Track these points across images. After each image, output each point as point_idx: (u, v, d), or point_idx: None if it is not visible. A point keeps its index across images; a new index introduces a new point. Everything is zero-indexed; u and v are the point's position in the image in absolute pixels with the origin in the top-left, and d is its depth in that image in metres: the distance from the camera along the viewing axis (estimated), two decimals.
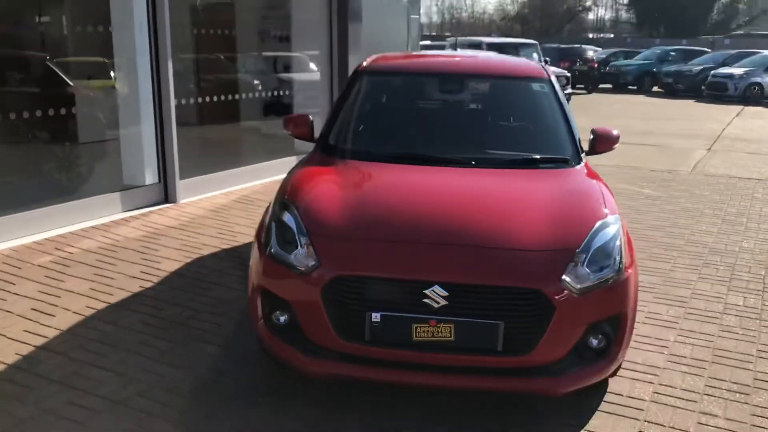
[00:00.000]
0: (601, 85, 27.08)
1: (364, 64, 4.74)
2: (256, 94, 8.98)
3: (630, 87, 27.17)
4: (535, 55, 17.12)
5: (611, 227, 3.35)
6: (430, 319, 3.02)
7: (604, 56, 29.83)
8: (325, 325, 3.12)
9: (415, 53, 6.48)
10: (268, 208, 3.74)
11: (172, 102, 6.77)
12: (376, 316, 3.05)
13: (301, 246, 3.23)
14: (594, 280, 3.15)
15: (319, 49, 9.28)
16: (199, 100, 8.04)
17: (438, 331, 3.04)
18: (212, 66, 9.97)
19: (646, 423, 3.39)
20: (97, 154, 7.50)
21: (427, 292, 3.01)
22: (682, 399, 3.62)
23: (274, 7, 10.31)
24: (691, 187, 8.98)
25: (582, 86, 25.72)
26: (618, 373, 3.77)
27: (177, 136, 6.84)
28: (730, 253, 6.19)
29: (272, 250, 3.33)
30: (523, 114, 4.53)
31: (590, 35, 55.53)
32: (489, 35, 42.19)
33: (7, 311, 4.29)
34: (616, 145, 4.36)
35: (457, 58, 5.42)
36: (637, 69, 27.13)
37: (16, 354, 3.79)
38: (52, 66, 7.95)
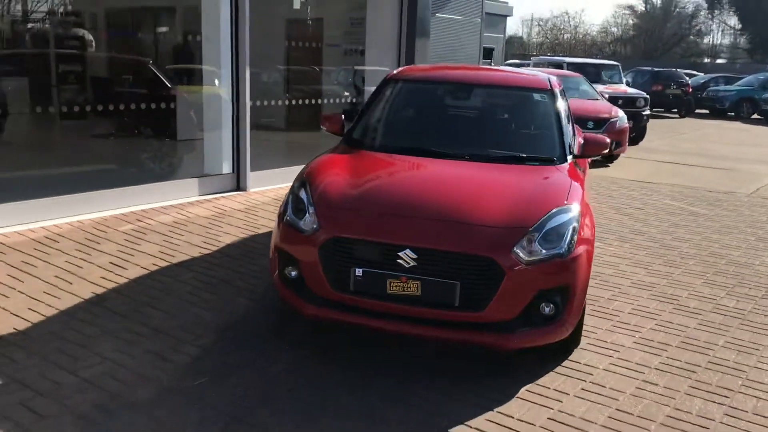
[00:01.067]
0: (697, 111, 26.61)
1: (394, 72, 5.52)
2: (325, 101, 9.91)
3: (728, 113, 26.53)
4: (616, 76, 17.32)
5: (567, 214, 3.96)
6: (402, 276, 3.74)
7: (702, 81, 29.26)
8: (321, 278, 3.89)
9: (440, 65, 7.20)
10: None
11: (248, 105, 7.76)
12: (359, 272, 3.80)
13: (308, 214, 4.03)
14: (543, 255, 3.77)
15: (389, 64, 10.10)
16: (273, 103, 9.04)
17: (407, 287, 3.75)
18: (288, 75, 11.05)
19: (590, 384, 3.96)
20: (185, 145, 8.65)
21: (400, 254, 3.73)
22: (632, 370, 4.16)
23: (351, 24, 11.26)
24: (741, 208, 9.18)
25: (675, 110, 25.42)
26: (583, 347, 4.36)
27: (250, 134, 7.82)
28: (747, 265, 6.52)
29: (287, 217, 4.14)
30: (522, 118, 5.18)
31: (704, 60, 54.02)
32: (594, 56, 41.94)
33: (90, 263, 5.31)
34: (604, 151, 4.93)
35: (474, 71, 6.10)
36: (735, 95, 26.47)
37: (92, 293, 4.76)
38: (154, 69, 9.19)
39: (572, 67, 17.49)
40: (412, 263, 3.73)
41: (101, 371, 3.71)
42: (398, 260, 3.74)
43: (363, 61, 10.61)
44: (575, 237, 3.90)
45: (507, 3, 18.59)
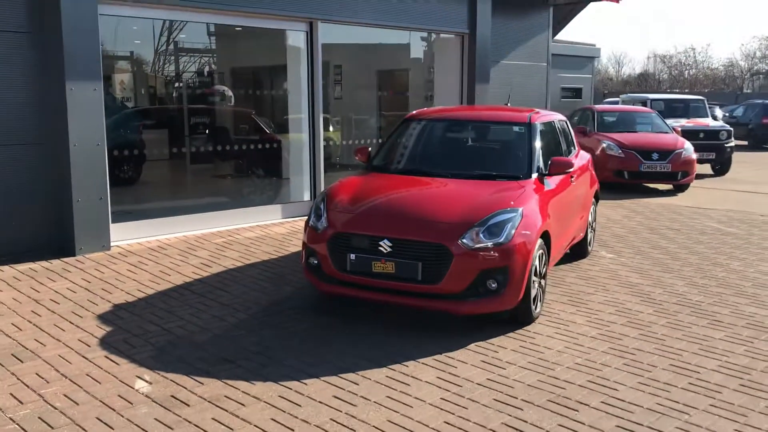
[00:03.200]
0: None
1: (409, 114, 7.04)
2: None
3: None
4: (701, 110, 17.78)
5: (509, 214, 5.25)
6: (382, 258, 5.19)
7: None
8: (329, 262, 5.42)
9: (447, 108, 8.56)
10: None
11: (321, 144, 9.51)
12: (353, 256, 5.29)
13: (323, 218, 5.58)
14: (485, 243, 5.10)
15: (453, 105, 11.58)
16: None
17: (385, 267, 5.18)
18: (356, 120, 12.83)
19: (529, 343, 5.19)
20: (275, 178, 10.52)
21: (380, 243, 5.19)
22: (569, 337, 5.33)
23: (430, 73, 12.89)
24: None
25: None
26: (541, 322, 5.58)
27: (324, 169, 9.54)
28: (738, 272, 7.36)
29: (310, 222, 5.71)
30: (501, 146, 6.51)
31: None
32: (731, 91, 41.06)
33: (186, 263, 7.12)
34: (569, 169, 6.14)
35: (470, 111, 7.48)
36: None
37: (183, 281, 6.53)
38: (255, 119, 11.22)
39: (657, 102, 18.16)
40: (389, 249, 5.18)
41: (176, 325, 5.40)
42: (379, 248, 5.20)
43: (432, 105, 12.16)
44: (513, 231, 5.19)
45: (594, 45, 19.59)
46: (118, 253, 7.43)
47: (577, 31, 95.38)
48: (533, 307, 5.51)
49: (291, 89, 9.78)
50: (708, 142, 16.00)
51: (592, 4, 13.55)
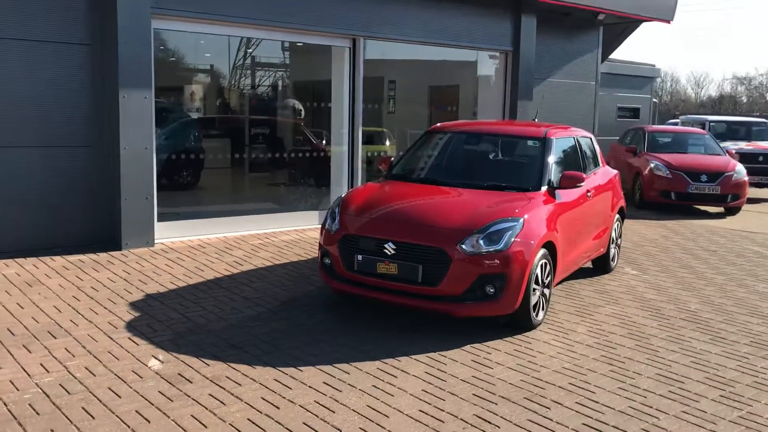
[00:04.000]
0: None
1: (432, 126, 7.36)
2: None
3: None
4: (764, 132, 17.41)
5: (510, 222, 5.50)
6: (386, 260, 5.52)
7: None
8: (339, 262, 5.79)
9: (470, 121, 8.79)
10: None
11: (360, 155, 9.94)
12: (360, 257, 5.65)
13: (336, 221, 5.96)
14: (484, 250, 5.37)
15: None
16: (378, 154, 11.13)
17: (389, 268, 5.51)
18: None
19: (524, 348, 5.40)
20: (316, 186, 10.98)
21: (385, 245, 5.53)
22: (565, 344, 5.52)
23: (444, 86, 13.18)
24: None
25: None
26: (542, 329, 5.80)
27: (361, 178, 9.94)
28: (760, 293, 7.35)
29: (325, 224, 6.10)
30: (515, 158, 6.75)
31: None
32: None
33: (220, 261, 7.62)
34: (580, 184, 6.33)
35: (488, 125, 7.71)
36: None
37: (213, 276, 7.01)
38: (305, 130, 11.75)
39: (719, 124, 17.88)
40: (393, 252, 5.51)
41: (198, 314, 5.86)
42: (384, 250, 5.54)
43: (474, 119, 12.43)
44: (513, 239, 5.44)
45: (654, 65, 19.42)
46: (161, 250, 8.00)
47: (652, 50, 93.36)
48: (534, 314, 5.73)
49: (335, 103, 10.23)
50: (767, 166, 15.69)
51: (644, 23, 13.56)
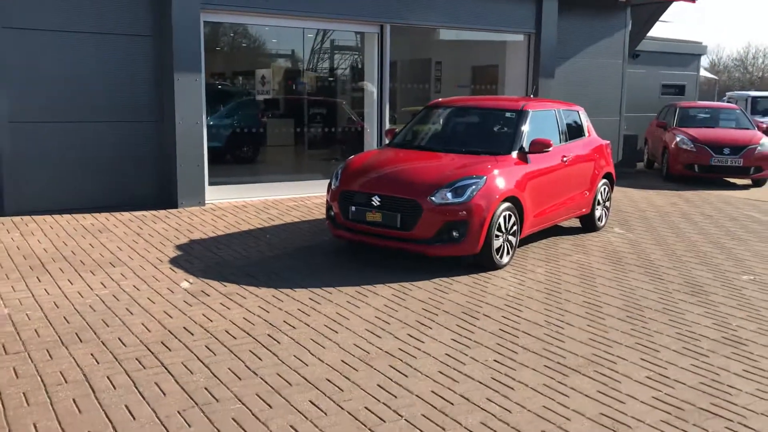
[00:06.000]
0: None
1: (431, 102, 8.55)
2: None
3: None
4: None
5: (473, 180, 6.66)
6: (372, 210, 6.81)
7: None
8: (338, 213, 7.11)
9: (464, 97, 9.86)
10: None
11: (387, 126, 11.20)
12: (353, 208, 6.95)
13: (338, 179, 7.28)
14: (450, 201, 6.57)
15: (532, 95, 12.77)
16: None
17: (375, 217, 6.79)
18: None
19: (482, 281, 6.59)
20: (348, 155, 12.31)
21: (372, 198, 6.82)
22: (519, 281, 6.67)
23: (486, 66, 14.17)
24: None
25: None
26: (507, 269, 6.95)
27: None
28: (728, 251, 8.21)
29: (330, 183, 7.43)
30: (494, 128, 7.86)
31: None
32: None
33: (257, 216, 9.07)
34: (548, 149, 7.40)
35: (476, 100, 8.82)
36: None
37: (249, 228, 8.46)
38: (343, 107, 13.10)
39: (765, 100, 18.14)
40: (378, 203, 6.79)
41: (227, 254, 7.30)
42: (371, 201, 6.82)
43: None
44: (475, 193, 6.61)
45: (701, 43, 19.70)
46: (210, 208, 9.54)
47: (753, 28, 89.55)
48: (497, 257, 6.89)
49: (367, 84, 11.51)
50: None
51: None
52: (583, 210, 8.62)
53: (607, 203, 9.21)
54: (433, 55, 17.11)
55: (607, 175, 9.09)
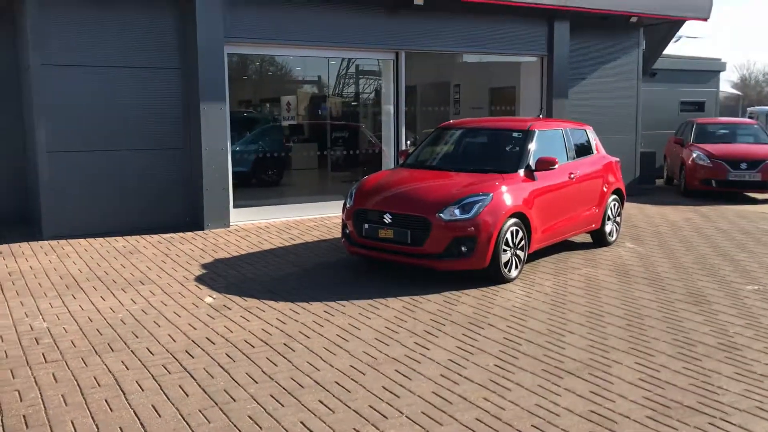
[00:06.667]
0: None
1: (442, 123, 8.93)
2: None
3: None
4: None
5: (480, 196, 7.00)
6: (384, 227, 7.18)
7: None
8: (353, 231, 7.50)
9: (474, 119, 10.21)
10: None
11: (403, 147, 11.59)
12: (366, 226, 7.33)
13: (352, 198, 7.67)
14: (458, 217, 6.91)
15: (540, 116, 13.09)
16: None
17: (387, 233, 7.16)
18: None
19: (491, 294, 6.90)
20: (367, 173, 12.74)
21: (384, 216, 7.19)
22: (526, 293, 6.96)
23: (503, 87, 14.52)
24: None
25: None
26: (516, 283, 7.25)
27: None
28: (737, 263, 8.41)
29: (345, 202, 7.82)
30: (502, 147, 8.19)
31: None
32: None
33: (279, 237, 9.49)
34: (553, 166, 7.71)
35: (483, 122, 9.16)
36: None
37: (270, 247, 8.88)
38: (363, 131, 13.55)
39: None
40: (390, 221, 7.15)
41: (249, 272, 7.71)
42: (383, 219, 7.19)
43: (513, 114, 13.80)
44: (482, 210, 6.95)
45: (720, 59, 19.85)
46: (234, 229, 9.99)
47: None
48: (506, 270, 7.19)
49: (384, 108, 11.94)
50: None
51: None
52: (593, 225, 8.88)
53: (618, 218, 9.46)
54: (452, 78, 17.55)
55: (617, 191, 9.34)
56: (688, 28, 33.61)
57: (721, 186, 13.86)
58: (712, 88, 19.50)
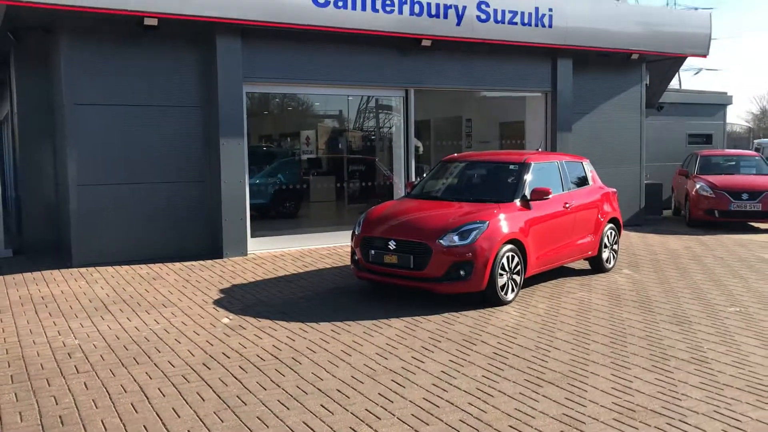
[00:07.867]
0: None
1: (445, 157, 9.52)
2: None
3: None
4: None
5: (477, 224, 7.54)
6: (390, 253, 7.73)
7: None
8: (361, 257, 8.06)
9: (476, 152, 10.75)
10: None
11: (412, 179, 12.19)
12: (372, 252, 7.89)
13: (360, 227, 8.25)
14: (456, 243, 7.45)
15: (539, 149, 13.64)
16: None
17: (391, 258, 7.71)
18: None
19: (487, 315, 7.39)
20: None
21: (389, 243, 7.75)
22: (520, 314, 7.45)
23: (513, 122, 15.10)
24: None
25: None
26: (513, 305, 7.74)
27: None
28: (728, 291, 8.83)
29: (354, 230, 8.40)
30: (499, 179, 8.74)
31: None
32: None
33: (293, 264, 10.07)
34: (547, 196, 8.23)
35: (484, 155, 9.72)
36: None
37: (284, 273, 9.45)
38: (376, 163, 14.18)
39: None
40: (394, 247, 7.71)
41: (263, 296, 8.28)
42: (388, 246, 7.75)
43: (521, 148, 14.34)
44: (479, 236, 7.48)
45: (726, 93, 20.32)
46: (252, 258, 10.60)
47: None
48: (502, 293, 7.68)
49: (395, 142, 12.58)
50: None
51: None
52: (590, 252, 9.36)
53: (615, 246, 9.92)
54: (464, 113, 18.20)
55: (613, 220, 9.83)
56: (709, 61, 34.05)
57: (723, 216, 14.26)
58: (719, 121, 19.93)
